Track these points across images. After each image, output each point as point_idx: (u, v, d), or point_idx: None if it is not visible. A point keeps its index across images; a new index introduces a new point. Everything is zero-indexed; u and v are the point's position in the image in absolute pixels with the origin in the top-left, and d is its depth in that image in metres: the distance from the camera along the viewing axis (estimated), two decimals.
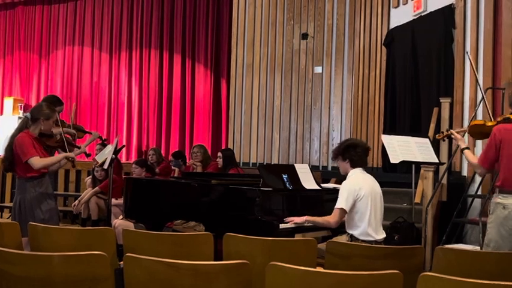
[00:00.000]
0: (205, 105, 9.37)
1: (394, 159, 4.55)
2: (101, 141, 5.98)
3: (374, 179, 3.78)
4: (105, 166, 5.41)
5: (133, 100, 9.98)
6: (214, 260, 2.94)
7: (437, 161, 4.89)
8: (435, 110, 5.86)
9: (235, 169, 6.17)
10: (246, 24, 8.41)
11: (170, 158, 7.42)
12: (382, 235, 3.67)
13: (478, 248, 4.16)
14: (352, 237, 3.64)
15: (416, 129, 6.21)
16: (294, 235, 3.80)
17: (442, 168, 5.31)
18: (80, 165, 7.35)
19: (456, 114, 5.71)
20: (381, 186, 3.87)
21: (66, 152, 4.17)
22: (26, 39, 11.00)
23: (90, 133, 5.25)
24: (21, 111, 10.19)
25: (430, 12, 6.27)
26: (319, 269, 2.33)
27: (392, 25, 6.97)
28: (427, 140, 4.89)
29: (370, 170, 5.06)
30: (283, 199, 4.13)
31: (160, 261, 2.07)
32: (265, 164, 7.92)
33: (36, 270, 2.18)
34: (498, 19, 5.25)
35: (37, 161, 3.84)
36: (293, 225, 3.80)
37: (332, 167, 7.68)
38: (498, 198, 3.33)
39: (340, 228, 3.81)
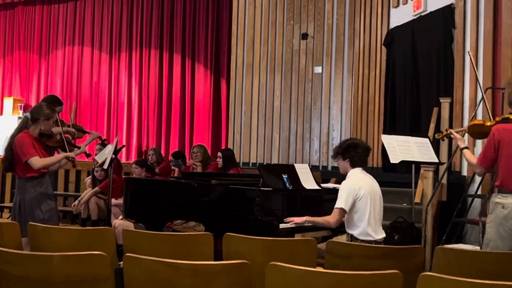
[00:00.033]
0: (205, 105, 9.36)
1: (394, 159, 4.55)
2: (100, 141, 5.99)
3: (373, 179, 3.78)
4: (105, 166, 5.41)
5: (133, 100, 9.98)
6: (214, 260, 2.94)
7: (437, 160, 4.89)
8: (435, 110, 5.86)
9: (235, 169, 6.17)
10: (246, 24, 8.41)
11: (170, 158, 7.42)
12: (381, 235, 3.68)
13: (478, 248, 4.15)
14: (351, 237, 3.64)
15: (416, 129, 6.21)
16: (293, 235, 3.80)
17: (442, 168, 5.32)
18: (79, 165, 7.35)
19: (456, 114, 5.72)
20: (381, 186, 3.87)
21: (66, 152, 4.17)
22: (25, 39, 11.00)
23: (90, 133, 5.26)
24: (21, 111, 10.18)
25: (430, 12, 6.27)
26: (319, 269, 2.33)
27: (392, 25, 6.97)
28: (427, 140, 4.89)
29: (370, 170, 5.06)
30: (283, 199, 4.13)
31: (160, 261, 2.07)
32: (265, 164, 7.91)
33: (36, 270, 2.18)
34: (498, 19, 5.25)
35: (37, 161, 3.84)
36: (293, 225, 3.80)
37: (332, 166, 7.68)
38: (497, 198, 3.33)
39: (340, 228, 3.81)
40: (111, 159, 5.15)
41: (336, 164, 7.29)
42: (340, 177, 4.50)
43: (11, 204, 4.95)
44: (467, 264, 2.67)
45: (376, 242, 3.58)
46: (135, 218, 5.24)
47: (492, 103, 5.15)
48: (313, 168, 6.26)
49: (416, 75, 6.44)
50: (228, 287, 2.08)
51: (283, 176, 4.19)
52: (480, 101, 5.13)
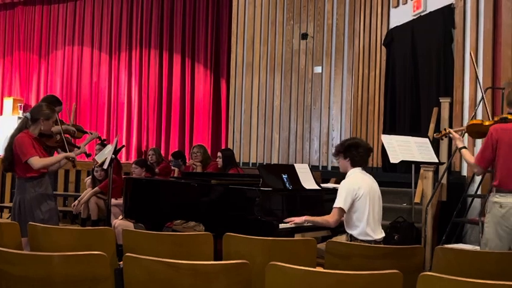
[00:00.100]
0: (205, 105, 9.37)
1: (393, 159, 4.55)
2: (100, 141, 5.98)
3: (373, 179, 3.77)
4: (105, 166, 5.41)
5: (133, 100, 9.98)
6: (214, 260, 2.94)
7: (437, 160, 4.89)
8: (435, 109, 5.86)
9: (235, 169, 6.17)
10: (246, 24, 8.41)
11: (170, 158, 7.42)
12: (380, 235, 3.67)
13: (477, 247, 4.15)
14: (351, 237, 3.64)
15: (416, 129, 6.21)
16: (293, 235, 3.80)
17: (442, 168, 5.32)
18: (79, 165, 7.35)
19: (456, 114, 5.72)
20: (381, 186, 3.86)
21: (66, 152, 4.17)
22: (25, 40, 11.00)
23: (90, 133, 5.25)
24: (20, 111, 10.19)
25: (430, 12, 6.27)
26: (319, 269, 2.33)
27: (392, 25, 6.97)
28: (426, 140, 4.89)
29: (370, 170, 5.06)
30: (283, 199, 4.13)
31: (160, 261, 2.07)
32: (265, 163, 7.92)
33: (36, 270, 2.18)
34: (498, 19, 5.25)
35: (37, 161, 3.84)
36: (293, 225, 3.80)
37: (332, 166, 7.69)
38: (495, 197, 3.34)
39: (339, 228, 3.81)
40: (111, 159, 5.14)
41: (335, 164, 7.31)
42: (340, 177, 4.49)
43: (10, 204, 4.95)
44: (467, 264, 2.67)
45: (375, 241, 3.58)
46: (135, 218, 5.24)
47: (492, 103, 5.16)
48: (313, 168, 6.26)
49: (416, 75, 6.44)
50: (228, 287, 2.08)
51: (283, 176, 4.19)
52: (480, 101, 5.13)
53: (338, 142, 5.00)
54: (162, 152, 8.57)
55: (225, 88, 9.18)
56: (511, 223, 3.26)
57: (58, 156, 4.18)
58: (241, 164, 7.84)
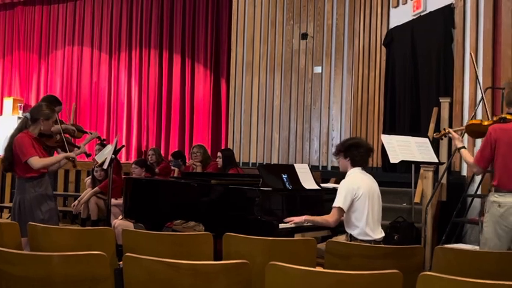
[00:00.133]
0: (205, 104, 9.36)
1: (393, 159, 4.55)
2: (100, 141, 5.98)
3: (373, 179, 3.78)
4: (105, 166, 5.41)
5: (133, 100, 9.98)
6: (214, 260, 2.94)
7: (436, 160, 4.89)
8: (435, 109, 5.86)
9: (235, 169, 6.17)
10: (246, 23, 8.41)
11: (170, 158, 7.42)
12: (380, 235, 3.67)
13: (477, 247, 4.15)
14: (351, 237, 3.64)
15: (416, 129, 6.21)
16: (293, 235, 3.80)
17: (442, 168, 5.32)
18: (79, 165, 7.33)
19: (456, 114, 5.72)
20: (381, 186, 3.87)
21: (66, 152, 4.17)
22: (25, 39, 11.00)
23: (90, 133, 5.25)
24: (20, 111, 10.18)
25: (430, 12, 6.27)
26: (319, 269, 2.34)
27: (392, 25, 6.97)
28: (426, 140, 4.89)
29: (370, 170, 5.05)
30: (282, 199, 4.13)
31: (160, 261, 2.07)
32: (264, 163, 7.91)
33: (36, 270, 2.18)
34: (498, 19, 5.25)
35: (36, 161, 3.84)
36: (293, 225, 3.80)
37: (332, 166, 7.69)
38: (494, 197, 3.34)
39: (339, 228, 3.81)
40: (111, 159, 5.14)
41: (335, 164, 7.31)
42: (340, 177, 4.49)
43: (10, 204, 4.95)
44: (467, 264, 2.67)
45: (375, 241, 3.58)
46: (135, 218, 5.24)
47: (492, 103, 5.16)
48: (313, 168, 6.26)
49: (416, 75, 6.44)
50: (228, 287, 2.07)
51: (283, 176, 4.19)
52: (480, 101, 5.13)
53: (338, 142, 5.01)
54: (162, 152, 8.57)
55: (225, 88, 9.18)
56: (509, 222, 3.26)
57: (58, 156, 4.18)
58: (241, 164, 7.84)
